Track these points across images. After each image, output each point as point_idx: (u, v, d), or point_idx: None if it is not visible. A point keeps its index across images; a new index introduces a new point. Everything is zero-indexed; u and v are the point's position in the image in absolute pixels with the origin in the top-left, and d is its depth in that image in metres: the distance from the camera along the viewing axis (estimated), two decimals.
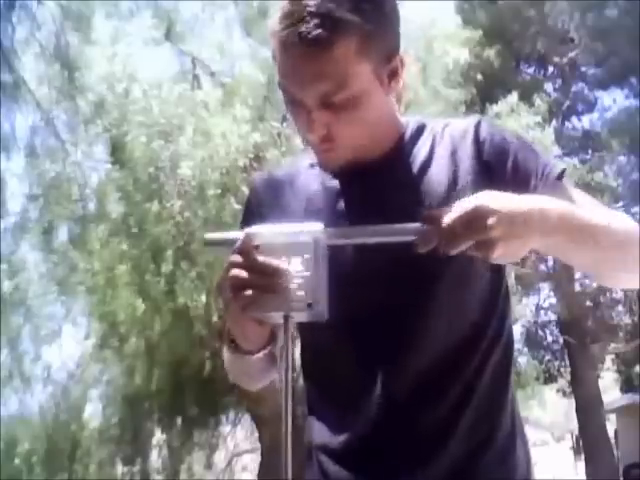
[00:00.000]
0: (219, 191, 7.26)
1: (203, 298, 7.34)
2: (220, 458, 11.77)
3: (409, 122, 1.27)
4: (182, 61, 9.20)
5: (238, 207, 6.94)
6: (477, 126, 1.21)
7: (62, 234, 8.79)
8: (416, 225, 0.97)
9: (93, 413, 10.20)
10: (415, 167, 1.20)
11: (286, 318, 0.94)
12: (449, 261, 1.04)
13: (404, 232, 0.98)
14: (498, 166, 1.18)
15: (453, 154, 1.19)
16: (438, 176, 1.17)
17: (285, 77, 1.11)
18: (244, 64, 8.53)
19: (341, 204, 1.21)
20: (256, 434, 9.99)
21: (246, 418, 10.36)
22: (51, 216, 8.48)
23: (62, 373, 9.72)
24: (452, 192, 1.15)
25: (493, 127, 1.24)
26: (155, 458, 10.34)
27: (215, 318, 7.41)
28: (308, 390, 1.28)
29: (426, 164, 1.20)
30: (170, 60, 9.33)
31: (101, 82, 8.05)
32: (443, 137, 1.22)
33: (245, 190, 6.97)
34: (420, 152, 1.21)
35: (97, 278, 8.07)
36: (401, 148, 1.22)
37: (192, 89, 8.44)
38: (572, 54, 14.63)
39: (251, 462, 13.16)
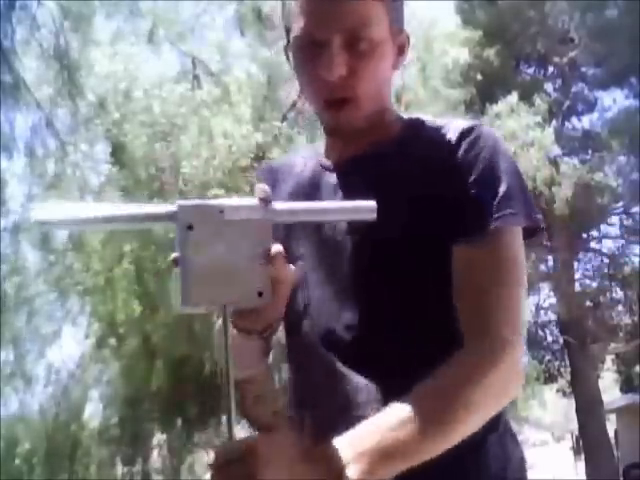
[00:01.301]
0: (221, 191, 7.26)
1: None
2: None
3: (409, 118, 1.26)
4: (182, 61, 9.22)
5: None
6: (462, 134, 1.16)
7: (62, 234, 8.80)
8: (361, 204, 0.93)
9: (93, 413, 10.21)
10: (411, 165, 1.17)
11: (223, 307, 0.90)
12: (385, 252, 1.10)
13: (351, 211, 0.94)
14: (453, 184, 1.13)
15: (437, 158, 1.16)
16: (428, 177, 1.15)
17: (310, 18, 1.13)
18: (244, 64, 8.54)
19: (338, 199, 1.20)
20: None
21: None
22: None
23: (62, 373, 9.72)
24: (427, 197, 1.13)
25: (478, 139, 1.16)
26: (155, 458, 10.34)
27: (215, 318, 7.41)
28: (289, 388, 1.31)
29: (420, 164, 1.17)
30: (170, 60, 9.35)
31: (101, 82, 8.05)
32: (436, 138, 1.19)
33: (247, 190, 6.98)
34: (416, 151, 1.19)
35: (97, 278, 8.08)
36: (399, 144, 1.21)
37: (192, 89, 8.45)
38: (572, 54, 14.62)
39: None
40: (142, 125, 7.56)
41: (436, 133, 1.19)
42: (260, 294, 0.88)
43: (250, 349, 1.11)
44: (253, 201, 0.90)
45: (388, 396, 1.03)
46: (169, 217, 0.90)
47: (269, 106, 8.18)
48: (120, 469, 10.23)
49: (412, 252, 1.12)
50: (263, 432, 0.91)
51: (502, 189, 1.12)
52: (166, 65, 9.06)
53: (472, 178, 1.13)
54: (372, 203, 0.93)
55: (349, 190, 1.17)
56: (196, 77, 8.93)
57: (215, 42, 8.96)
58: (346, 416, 1.09)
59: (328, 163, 1.25)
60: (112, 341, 8.98)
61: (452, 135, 1.17)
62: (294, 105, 8.44)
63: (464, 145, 1.15)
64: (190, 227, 0.88)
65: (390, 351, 1.12)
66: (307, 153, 1.35)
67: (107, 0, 8.68)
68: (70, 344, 9.91)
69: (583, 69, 15.58)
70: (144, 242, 7.59)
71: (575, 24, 14.67)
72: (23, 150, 8.56)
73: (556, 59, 15.09)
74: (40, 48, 8.31)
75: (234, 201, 0.90)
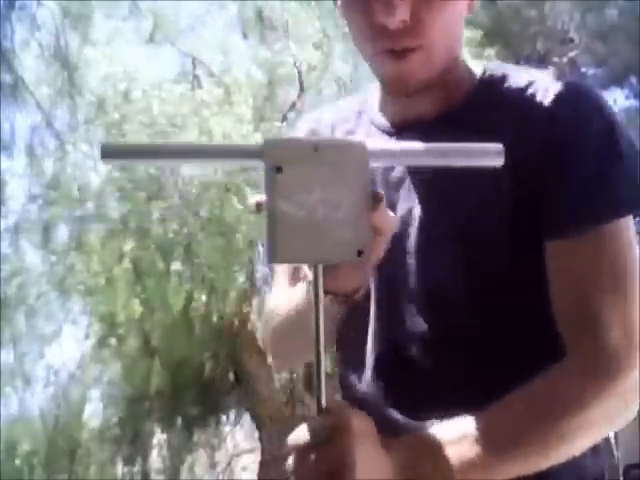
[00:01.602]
0: (221, 191, 7.27)
1: (203, 298, 7.35)
2: (220, 458, 11.78)
3: (484, 74, 1.02)
4: (182, 61, 9.21)
5: (240, 207, 6.96)
6: (560, 99, 0.93)
7: (62, 234, 8.80)
8: (487, 146, 0.77)
9: (93, 413, 10.21)
10: (491, 138, 0.93)
11: (315, 267, 0.77)
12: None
13: (473, 154, 0.77)
14: (547, 163, 0.91)
15: (525, 129, 0.93)
16: (513, 154, 0.90)
17: None
18: (244, 64, 8.54)
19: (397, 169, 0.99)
20: (256, 434, 10.00)
21: (246, 418, 10.36)
22: (51, 216, 8.49)
23: (62, 373, 9.72)
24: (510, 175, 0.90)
25: (582, 107, 0.92)
26: (155, 458, 10.34)
27: (215, 318, 7.42)
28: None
29: (502, 136, 0.91)
30: (170, 60, 9.34)
31: (101, 82, 8.05)
32: (523, 102, 0.95)
33: (247, 190, 6.99)
34: (496, 119, 0.96)
35: (97, 279, 8.07)
36: (475, 108, 0.98)
37: (192, 89, 8.45)
38: (572, 54, 14.62)
39: (251, 462, 13.16)
40: (142, 125, 7.56)
41: (522, 95, 0.96)
42: (360, 252, 0.75)
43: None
44: (351, 138, 0.77)
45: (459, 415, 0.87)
46: (254, 155, 0.77)
47: (269, 106, 8.18)
48: (120, 469, 10.23)
49: (495, 246, 0.93)
50: (325, 413, 0.74)
51: (612, 171, 0.90)
52: (166, 65, 9.06)
53: (573, 156, 0.91)
54: (499, 146, 0.78)
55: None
56: (196, 77, 8.93)
57: (215, 42, 8.95)
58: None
59: (385, 124, 1.03)
60: (112, 341, 8.98)
61: (545, 100, 0.93)
62: (294, 105, 8.43)
63: (563, 114, 0.92)
64: (279, 169, 0.74)
65: (466, 365, 0.94)
66: (356, 105, 1.10)
67: (107, 0, 8.68)
68: (70, 344, 9.90)
69: (583, 69, 15.56)
70: (143, 242, 7.59)
71: (575, 24, 14.66)
72: (23, 150, 8.58)
73: (556, 59, 15.07)
74: (40, 48, 8.31)
75: (329, 139, 0.78)
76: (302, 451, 0.74)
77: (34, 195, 8.65)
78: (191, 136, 7.44)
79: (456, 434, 0.83)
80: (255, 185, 7.32)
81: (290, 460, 0.76)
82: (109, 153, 0.78)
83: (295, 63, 8.18)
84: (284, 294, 1.08)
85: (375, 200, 0.76)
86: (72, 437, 9.57)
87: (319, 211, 0.74)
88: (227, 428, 11.43)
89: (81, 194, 8.43)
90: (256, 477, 9.83)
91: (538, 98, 0.94)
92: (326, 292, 0.84)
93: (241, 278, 7.63)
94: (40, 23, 8.29)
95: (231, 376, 9.13)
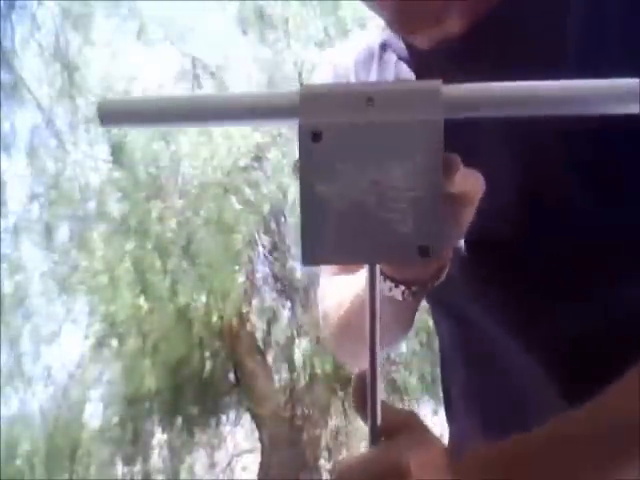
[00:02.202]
0: (220, 191, 7.27)
1: (203, 298, 7.35)
2: (220, 458, 11.78)
3: None
4: (182, 61, 9.21)
5: (239, 207, 6.96)
6: None
7: (63, 234, 8.80)
8: (620, 83, 0.51)
9: (93, 413, 10.21)
10: (537, 37, 0.71)
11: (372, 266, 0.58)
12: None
13: (600, 97, 0.52)
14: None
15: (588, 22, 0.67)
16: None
17: None
18: (244, 64, 8.54)
19: None
20: (256, 434, 10.00)
21: (246, 418, 10.36)
22: (52, 216, 8.49)
23: (62, 373, 9.72)
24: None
25: None
26: (156, 458, 10.34)
27: (215, 318, 7.42)
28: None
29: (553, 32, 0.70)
30: (170, 60, 9.34)
31: (101, 82, 8.06)
32: None
33: (246, 190, 6.99)
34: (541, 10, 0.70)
35: (98, 278, 8.08)
36: (508, 6, 0.72)
37: (192, 89, 8.45)
38: None
39: (251, 462, 13.16)
40: None
41: None
42: (424, 250, 0.54)
43: (393, 316, 0.73)
44: (421, 82, 0.55)
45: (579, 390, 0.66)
46: (287, 113, 0.55)
47: None
48: (120, 469, 10.23)
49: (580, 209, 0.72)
50: (390, 438, 0.57)
51: None
52: (166, 65, 9.05)
53: None
54: (635, 82, 0.51)
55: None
56: (196, 77, 8.93)
57: (215, 42, 8.95)
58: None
59: (404, 51, 0.78)
60: (112, 341, 8.98)
61: None
62: None
63: None
64: (317, 135, 0.53)
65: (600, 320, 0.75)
66: (380, 37, 0.83)
67: (107, 0, 8.69)
68: (70, 344, 9.91)
69: None
70: (143, 242, 7.59)
71: None
72: (23, 150, 8.58)
73: None
74: (40, 48, 8.31)
75: (389, 85, 0.56)
76: None
77: (35, 195, 8.65)
78: (191, 136, 7.45)
79: (550, 440, 0.61)
80: (255, 185, 7.33)
81: None
82: (109, 118, 0.61)
83: (296, 63, 8.18)
84: (338, 283, 0.89)
85: (449, 169, 0.54)
86: (72, 437, 9.57)
87: (371, 193, 0.54)
88: (227, 428, 11.42)
89: (82, 194, 8.44)
90: (256, 477, 9.85)
91: None
92: (395, 282, 0.69)
93: (241, 278, 7.63)
94: (40, 23, 8.30)
95: (231, 376, 9.14)
